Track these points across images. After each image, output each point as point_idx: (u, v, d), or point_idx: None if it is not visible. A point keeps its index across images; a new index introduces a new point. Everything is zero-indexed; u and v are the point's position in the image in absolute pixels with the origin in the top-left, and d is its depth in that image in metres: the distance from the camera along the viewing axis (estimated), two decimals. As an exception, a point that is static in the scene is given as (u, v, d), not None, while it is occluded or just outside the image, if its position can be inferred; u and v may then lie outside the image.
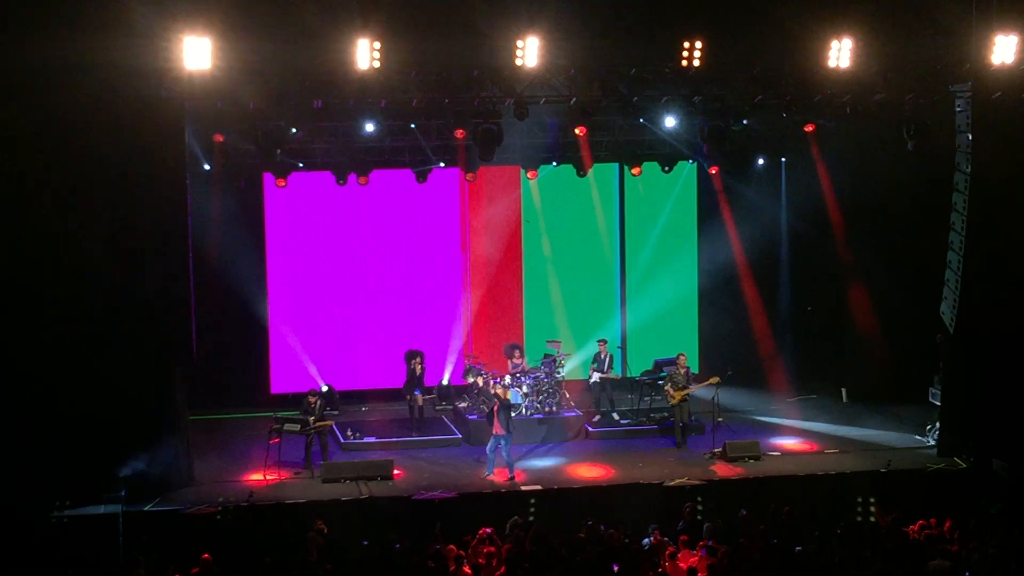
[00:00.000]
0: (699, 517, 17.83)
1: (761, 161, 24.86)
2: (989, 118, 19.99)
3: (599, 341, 23.22)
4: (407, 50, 18.31)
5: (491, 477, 19.62)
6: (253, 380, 24.24)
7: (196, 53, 17.43)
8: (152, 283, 18.54)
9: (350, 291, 24.74)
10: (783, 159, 24.85)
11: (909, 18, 19.31)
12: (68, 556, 16.23)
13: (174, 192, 18.63)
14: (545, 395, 22.32)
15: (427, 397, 23.10)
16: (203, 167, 21.63)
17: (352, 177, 22.82)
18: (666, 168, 24.43)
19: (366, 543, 15.90)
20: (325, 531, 16.39)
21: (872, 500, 18.76)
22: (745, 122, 22.07)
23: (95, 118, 17.70)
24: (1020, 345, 20.58)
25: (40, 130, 17.69)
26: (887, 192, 23.35)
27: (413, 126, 21.55)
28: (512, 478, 19.43)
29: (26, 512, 17.28)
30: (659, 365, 23.32)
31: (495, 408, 19.83)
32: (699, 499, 18.41)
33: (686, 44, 18.74)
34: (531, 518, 17.80)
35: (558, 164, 23.96)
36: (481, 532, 16.02)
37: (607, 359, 22.95)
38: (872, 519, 18.39)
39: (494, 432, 19.77)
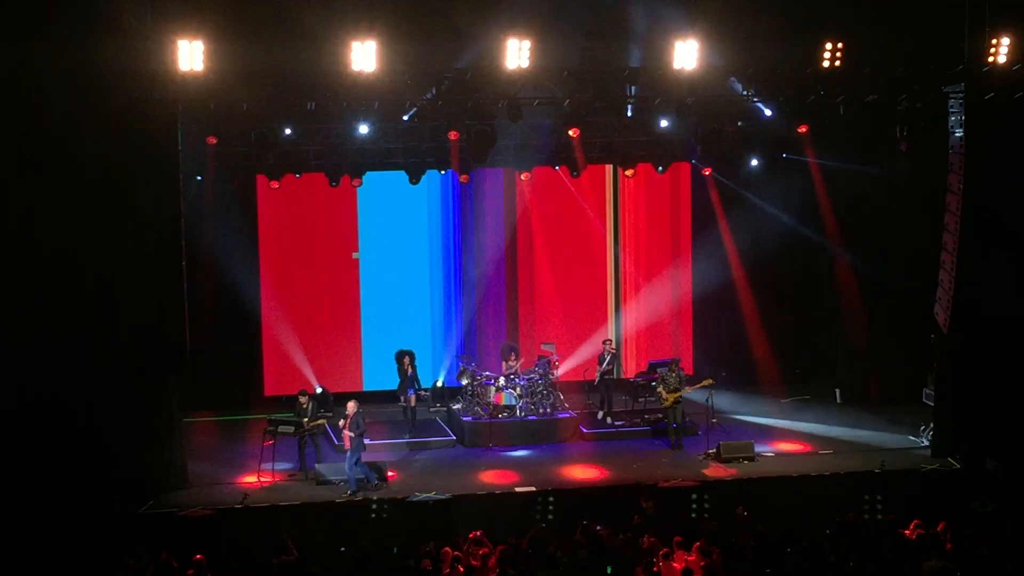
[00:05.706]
0: (693, 516, 17.82)
1: (755, 162, 24.85)
2: (982, 119, 20.01)
3: (604, 342, 23.30)
4: (401, 52, 18.31)
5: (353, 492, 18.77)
6: (246, 382, 24.23)
7: (190, 55, 17.44)
8: (145, 285, 18.52)
9: (343, 292, 24.73)
10: (777, 160, 24.82)
11: (902, 19, 19.34)
12: (62, 558, 16.19)
13: (167, 194, 18.63)
14: (539, 397, 22.31)
15: (422, 392, 23.05)
16: (196, 169, 21.59)
17: (345, 179, 22.81)
18: (660, 169, 24.45)
19: (344, 549, 15.69)
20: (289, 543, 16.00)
21: (865, 500, 18.75)
22: (739, 124, 22.09)
23: (88, 120, 17.68)
24: (1013, 345, 20.60)
25: (33, 132, 17.65)
26: (880, 193, 23.36)
27: (404, 117, 21.26)
28: (351, 493, 18.72)
29: (24, 515, 17.24)
30: (653, 366, 23.33)
31: (346, 424, 19.09)
32: (693, 499, 18.41)
33: (679, 45, 18.79)
34: (544, 523, 17.71)
35: (552, 165, 23.96)
36: (472, 535, 15.98)
37: (608, 357, 23.00)
38: (866, 519, 18.38)
39: (345, 447, 19.14)
